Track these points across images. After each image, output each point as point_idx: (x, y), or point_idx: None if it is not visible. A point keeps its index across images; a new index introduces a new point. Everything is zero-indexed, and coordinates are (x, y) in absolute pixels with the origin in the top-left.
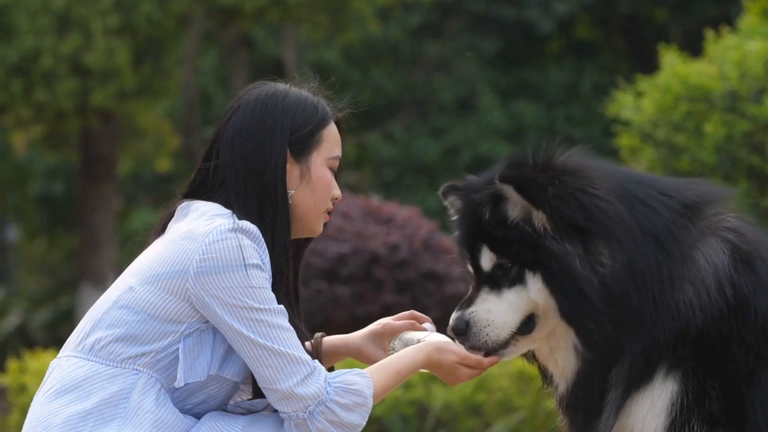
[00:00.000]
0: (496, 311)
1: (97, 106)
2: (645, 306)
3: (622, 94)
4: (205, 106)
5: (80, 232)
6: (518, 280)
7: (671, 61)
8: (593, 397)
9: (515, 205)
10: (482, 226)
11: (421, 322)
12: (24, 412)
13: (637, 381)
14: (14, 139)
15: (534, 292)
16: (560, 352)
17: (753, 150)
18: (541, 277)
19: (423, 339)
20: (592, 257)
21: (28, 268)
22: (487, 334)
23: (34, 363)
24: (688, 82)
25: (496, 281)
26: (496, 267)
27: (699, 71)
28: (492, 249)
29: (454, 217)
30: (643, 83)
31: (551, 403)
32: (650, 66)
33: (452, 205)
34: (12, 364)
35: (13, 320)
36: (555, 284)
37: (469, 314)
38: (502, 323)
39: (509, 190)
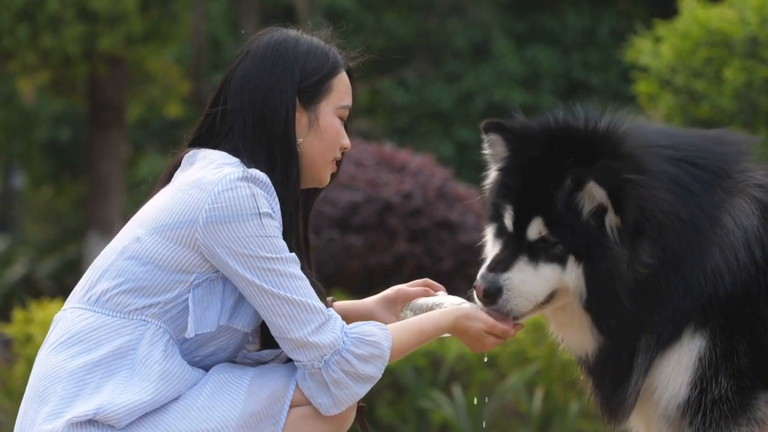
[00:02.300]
0: (531, 283)
1: (105, 52)
2: (673, 286)
3: (640, 39)
4: (215, 51)
5: (87, 180)
6: (558, 260)
7: (690, 6)
8: (622, 365)
9: (593, 201)
10: (545, 201)
11: (434, 290)
12: (30, 362)
13: (667, 342)
14: (21, 85)
15: (570, 277)
16: (574, 329)
17: None
18: (584, 268)
19: (435, 303)
20: (637, 257)
21: (34, 217)
22: (516, 304)
23: (40, 313)
24: (708, 28)
25: (535, 252)
26: (541, 239)
27: (719, 16)
28: (547, 225)
29: (493, 156)
30: (662, 28)
31: (567, 355)
32: (669, 11)
33: (492, 143)
34: (18, 314)
35: (18, 269)
36: (594, 278)
37: (505, 280)
38: (533, 296)
39: (598, 191)
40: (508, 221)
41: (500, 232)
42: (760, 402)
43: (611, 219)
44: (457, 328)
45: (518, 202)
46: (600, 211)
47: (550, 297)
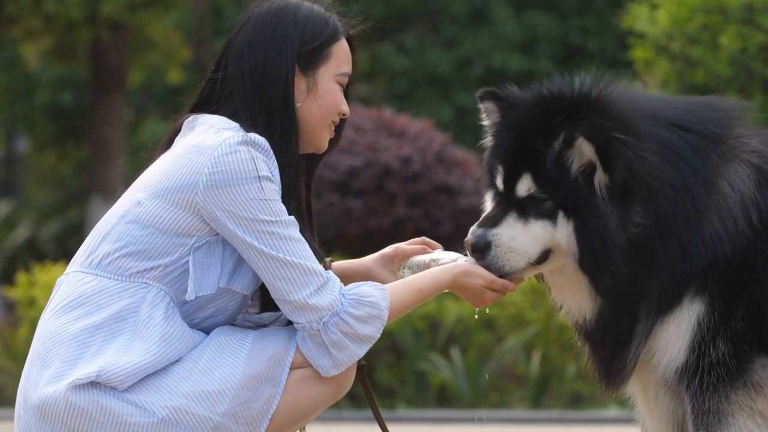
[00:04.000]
0: (520, 239)
1: (107, 17)
2: (669, 250)
3: (636, 5)
4: (217, 17)
5: (90, 144)
6: (548, 216)
7: None
8: (622, 332)
9: (582, 158)
10: (534, 157)
11: (432, 249)
12: (33, 325)
13: (667, 307)
14: (24, 50)
15: (560, 234)
16: (571, 293)
17: None
18: (574, 225)
19: (432, 260)
20: (628, 218)
21: (38, 180)
22: (507, 260)
23: (44, 276)
24: None
25: (524, 209)
26: (530, 197)
27: None
28: (536, 181)
29: (488, 123)
30: None
31: (565, 318)
32: None
33: (488, 111)
34: (21, 277)
35: (22, 233)
36: (584, 236)
37: (493, 235)
38: (523, 252)
39: (586, 146)
40: (499, 180)
41: (495, 194)
42: (757, 366)
43: (600, 177)
44: (457, 284)
45: (508, 161)
46: (589, 170)
47: (545, 257)
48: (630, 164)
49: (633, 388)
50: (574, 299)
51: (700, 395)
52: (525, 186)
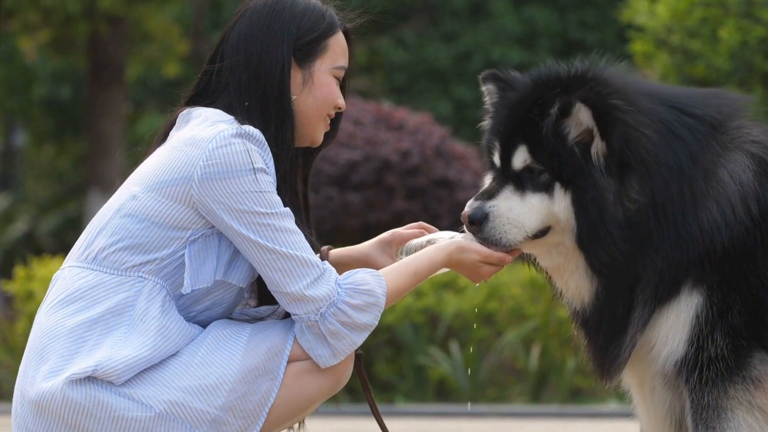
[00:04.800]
0: (518, 211)
1: (105, 10)
2: (665, 233)
3: None
4: (215, 10)
5: (88, 138)
6: (545, 189)
7: None
8: (617, 317)
9: (579, 125)
10: (530, 129)
11: (429, 233)
12: (31, 319)
13: (665, 297)
14: (22, 44)
15: (558, 206)
16: (569, 273)
17: None
18: (571, 197)
19: (428, 240)
20: (625, 192)
21: (36, 174)
22: (505, 232)
23: (42, 270)
24: None
25: (521, 182)
26: (527, 169)
27: None
28: (531, 152)
29: (489, 104)
30: None
31: (563, 312)
32: None
33: (489, 92)
34: (19, 271)
35: (20, 227)
36: (581, 208)
37: (490, 207)
38: (520, 225)
39: (584, 112)
40: (496, 156)
41: (493, 170)
42: (755, 360)
43: (597, 146)
44: (452, 261)
45: (504, 135)
46: (586, 140)
47: (543, 232)
48: (627, 133)
49: (629, 382)
50: (572, 280)
51: (699, 390)
52: (521, 158)
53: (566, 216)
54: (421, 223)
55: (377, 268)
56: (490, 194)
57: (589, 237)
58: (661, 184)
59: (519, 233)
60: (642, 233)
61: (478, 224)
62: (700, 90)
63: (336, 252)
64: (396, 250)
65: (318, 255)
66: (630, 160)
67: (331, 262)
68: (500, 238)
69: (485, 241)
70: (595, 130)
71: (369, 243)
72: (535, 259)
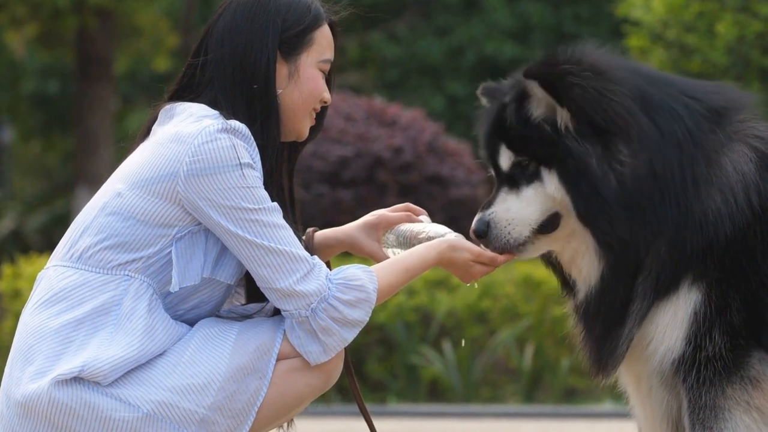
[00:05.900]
0: (516, 208)
1: (94, 5)
2: (667, 208)
3: None
4: (205, 4)
5: (76, 134)
6: (535, 177)
7: None
8: (616, 306)
9: (540, 103)
10: (502, 126)
11: (417, 215)
12: (18, 318)
13: (664, 290)
14: (10, 38)
15: (550, 188)
16: (581, 256)
17: (765, 51)
18: (557, 174)
19: (419, 232)
20: (611, 156)
21: (23, 171)
22: (509, 233)
23: (29, 268)
24: None
25: (514, 180)
26: (514, 166)
27: None
28: (510, 147)
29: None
30: None
31: (558, 310)
32: None
33: (483, 105)
34: (6, 269)
35: (7, 224)
36: (570, 182)
37: (489, 215)
38: (522, 219)
39: (534, 87)
40: (489, 165)
41: (495, 180)
42: (754, 360)
43: (561, 115)
44: (443, 260)
45: (489, 144)
46: (551, 114)
47: (553, 223)
48: (587, 96)
49: (626, 382)
50: (584, 263)
51: (697, 389)
52: (505, 156)
53: (560, 194)
54: (407, 204)
55: (364, 252)
56: (489, 203)
57: (587, 207)
58: (656, 149)
59: (524, 228)
60: (643, 204)
61: (484, 236)
62: (707, 82)
63: (321, 234)
64: (383, 233)
65: (303, 237)
66: (602, 123)
67: (316, 245)
68: (507, 239)
69: (497, 249)
70: (551, 100)
71: (354, 225)
72: (555, 255)
